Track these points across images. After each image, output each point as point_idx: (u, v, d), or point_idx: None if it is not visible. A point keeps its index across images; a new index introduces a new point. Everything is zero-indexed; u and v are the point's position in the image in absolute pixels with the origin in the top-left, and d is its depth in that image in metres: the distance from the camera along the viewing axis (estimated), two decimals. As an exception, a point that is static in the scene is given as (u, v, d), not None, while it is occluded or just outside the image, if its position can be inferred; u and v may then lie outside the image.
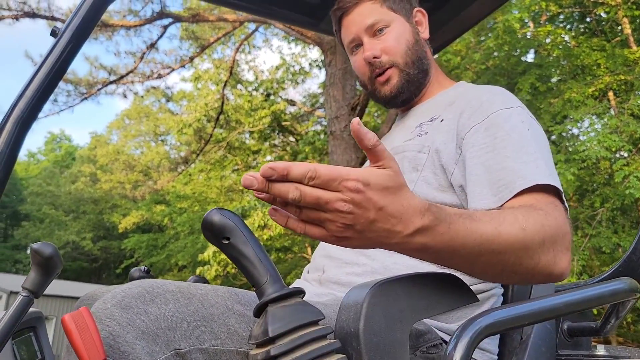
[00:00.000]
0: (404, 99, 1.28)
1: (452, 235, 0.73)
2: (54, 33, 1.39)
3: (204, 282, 1.38)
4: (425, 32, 1.33)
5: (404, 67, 1.24)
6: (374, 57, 1.23)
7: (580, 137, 8.59)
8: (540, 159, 0.97)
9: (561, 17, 10.95)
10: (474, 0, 1.63)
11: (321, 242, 1.25)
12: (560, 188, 0.95)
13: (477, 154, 1.02)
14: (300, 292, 0.73)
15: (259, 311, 0.70)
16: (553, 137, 9.46)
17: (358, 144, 0.67)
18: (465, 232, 0.74)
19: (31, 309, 1.05)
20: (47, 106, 10.54)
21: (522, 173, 0.93)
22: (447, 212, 0.74)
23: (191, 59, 11.89)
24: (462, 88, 1.28)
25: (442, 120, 1.14)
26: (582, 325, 1.09)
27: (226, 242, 0.72)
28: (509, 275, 0.81)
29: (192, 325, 0.77)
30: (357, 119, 0.66)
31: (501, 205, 0.93)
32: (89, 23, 1.39)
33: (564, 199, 0.95)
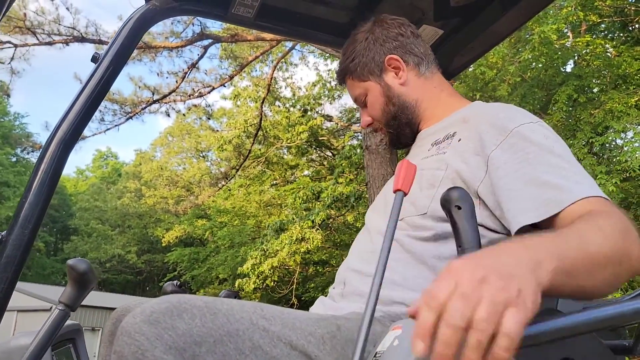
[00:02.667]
0: (404, 142, 1.41)
1: (549, 240, 0.72)
2: (94, 59, 1.48)
3: (235, 296, 1.42)
4: (403, 77, 1.36)
5: (386, 127, 1.38)
6: (368, 125, 1.41)
7: (625, 149, 8.28)
8: (577, 174, 0.97)
9: (602, 26, 10.65)
10: (501, 15, 1.64)
11: (345, 259, 1.29)
12: (603, 194, 0.95)
13: (512, 169, 1.01)
14: None
15: None
16: (594, 149, 9.16)
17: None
18: (558, 238, 0.74)
19: (71, 322, 1.11)
20: (95, 125, 10.96)
21: (567, 187, 0.94)
22: (534, 239, 0.72)
23: (231, 78, 12.17)
24: (474, 107, 1.30)
25: (459, 140, 1.16)
26: (614, 343, 1.06)
27: (458, 209, 0.88)
28: (617, 280, 0.78)
29: (218, 340, 0.81)
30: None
31: (549, 219, 0.93)
32: (127, 49, 1.49)
33: (609, 199, 0.96)
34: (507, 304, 0.57)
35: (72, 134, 1.38)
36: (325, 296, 1.28)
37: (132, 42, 1.50)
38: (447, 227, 1.03)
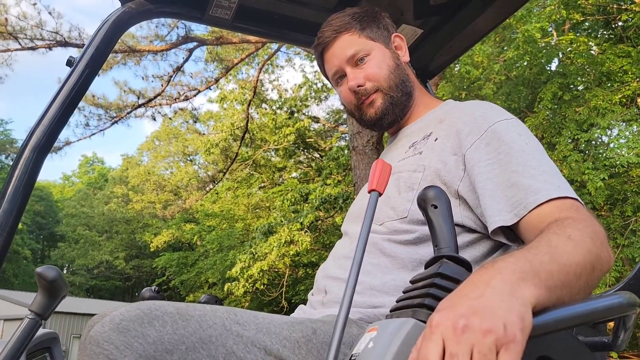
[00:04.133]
0: (390, 121, 1.29)
1: (521, 258, 0.72)
2: (69, 63, 1.46)
3: (215, 301, 1.40)
4: (405, 56, 1.33)
5: (387, 90, 1.26)
6: (359, 86, 1.25)
7: (611, 145, 8.40)
8: (545, 173, 0.98)
9: (585, 24, 10.79)
10: (480, 13, 1.64)
11: (323, 264, 1.26)
12: (571, 193, 0.96)
13: (485, 169, 1.03)
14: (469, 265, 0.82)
15: (435, 260, 0.83)
16: (580, 146, 9.27)
17: None
18: (529, 255, 0.73)
19: (47, 330, 1.08)
20: (80, 130, 10.85)
21: (533, 189, 0.95)
22: (499, 257, 0.74)
23: (216, 81, 12.12)
24: (449, 106, 1.30)
25: (436, 139, 1.15)
26: (594, 340, 1.06)
27: (434, 208, 0.89)
28: (590, 286, 0.79)
29: (190, 347, 0.79)
30: None
31: (518, 221, 0.95)
32: (103, 53, 1.46)
33: (578, 198, 0.97)
34: (497, 345, 0.58)
35: (46, 139, 1.36)
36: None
37: (107, 45, 1.48)
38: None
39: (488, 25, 1.71)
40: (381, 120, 1.28)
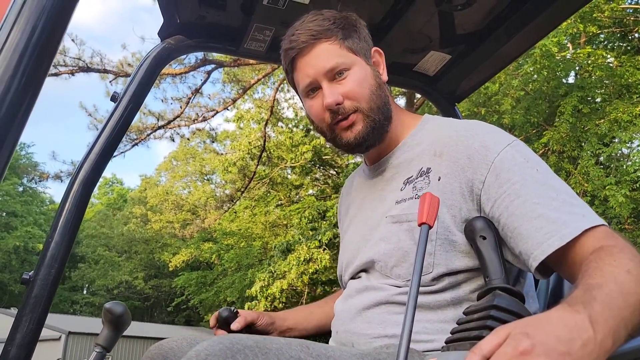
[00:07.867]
0: (368, 146, 1.17)
1: (606, 306, 0.71)
2: (113, 98, 1.52)
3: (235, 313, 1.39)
4: (384, 74, 1.21)
5: (368, 112, 1.13)
6: (337, 104, 1.11)
7: (634, 159, 8.30)
8: (566, 202, 0.95)
9: (601, 36, 10.75)
10: (507, 40, 1.67)
11: (337, 312, 1.20)
12: (596, 219, 0.93)
13: (503, 204, 0.97)
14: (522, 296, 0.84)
15: (488, 292, 0.85)
16: (601, 159, 9.17)
17: None
18: (608, 299, 0.73)
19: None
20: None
21: (562, 221, 0.91)
22: (578, 295, 0.74)
23: (234, 101, 12.30)
24: (431, 126, 1.21)
25: (439, 179, 1.07)
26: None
27: (483, 240, 0.93)
28: None
29: None
30: None
31: (551, 253, 0.91)
32: (145, 87, 1.53)
33: (603, 221, 0.94)
34: None
35: (93, 173, 1.42)
36: None
37: (149, 80, 1.54)
38: (459, 276, 1.03)
39: (515, 51, 1.73)
40: (360, 145, 1.15)
